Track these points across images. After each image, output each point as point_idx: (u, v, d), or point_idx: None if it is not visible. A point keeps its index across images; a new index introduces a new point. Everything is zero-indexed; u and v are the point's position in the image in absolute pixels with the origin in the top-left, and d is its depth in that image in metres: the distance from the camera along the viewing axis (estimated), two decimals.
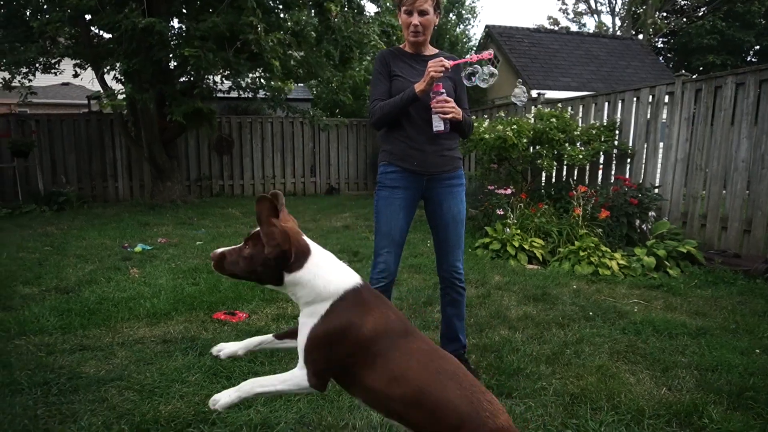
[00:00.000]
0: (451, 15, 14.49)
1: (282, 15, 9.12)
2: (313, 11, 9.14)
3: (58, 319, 3.28)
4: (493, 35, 14.18)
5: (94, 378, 2.47)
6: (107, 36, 8.78)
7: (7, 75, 8.68)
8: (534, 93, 8.72)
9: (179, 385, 2.41)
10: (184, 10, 8.70)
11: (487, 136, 6.10)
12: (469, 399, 1.37)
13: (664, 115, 5.77)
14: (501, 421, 1.36)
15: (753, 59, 19.39)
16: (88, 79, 10.10)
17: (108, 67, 8.58)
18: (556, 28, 24.55)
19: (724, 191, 5.19)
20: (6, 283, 4.09)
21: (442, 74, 2.26)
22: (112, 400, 2.27)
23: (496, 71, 2.38)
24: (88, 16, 8.14)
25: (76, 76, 10.03)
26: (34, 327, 3.11)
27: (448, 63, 2.27)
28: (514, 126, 6.00)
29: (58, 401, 2.26)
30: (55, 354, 2.75)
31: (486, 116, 7.97)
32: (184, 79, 8.96)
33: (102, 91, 8.43)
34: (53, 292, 3.92)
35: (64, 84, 15.70)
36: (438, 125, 2.33)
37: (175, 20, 8.95)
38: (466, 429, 1.33)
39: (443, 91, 2.31)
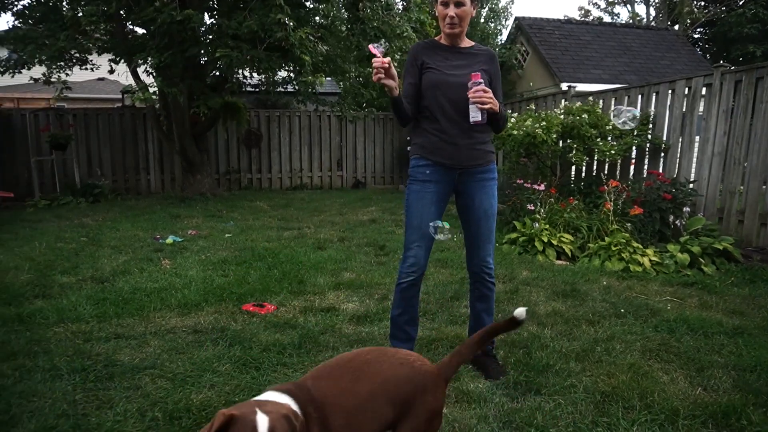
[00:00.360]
0: (484, 9, 14.32)
1: (311, 6, 9.14)
2: (342, 4, 9.13)
3: (94, 307, 3.38)
4: (522, 27, 13.96)
5: (128, 366, 2.54)
6: (141, 31, 8.96)
7: (45, 70, 8.93)
8: (564, 86, 8.56)
9: (210, 375, 2.46)
10: (216, 5, 8.81)
11: (515, 132, 6.02)
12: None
13: (701, 108, 5.59)
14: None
15: None
16: (122, 74, 10.33)
17: (141, 61, 8.76)
18: (588, 19, 24.02)
19: (764, 186, 5.01)
20: (45, 272, 4.23)
21: (378, 81, 2.18)
22: (146, 388, 2.33)
23: (637, 113, 2.31)
24: (121, 11, 8.32)
25: (111, 72, 10.27)
26: (71, 315, 3.21)
27: (386, 60, 2.15)
28: (543, 122, 5.90)
29: (95, 387, 2.33)
30: (92, 341, 2.84)
31: (510, 110, 7.87)
32: (213, 74, 9.08)
33: (134, 85, 8.62)
34: (89, 281, 4.04)
35: (99, 79, 16.09)
36: (475, 115, 2.29)
37: (206, 16, 9.08)
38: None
39: (481, 81, 2.26)
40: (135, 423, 2.06)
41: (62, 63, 9.03)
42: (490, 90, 2.29)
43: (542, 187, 5.80)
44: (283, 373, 2.49)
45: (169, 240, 5.62)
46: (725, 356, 2.75)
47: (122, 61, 9.50)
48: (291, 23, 7.22)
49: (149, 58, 8.01)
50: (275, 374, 2.48)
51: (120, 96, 13.13)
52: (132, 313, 3.31)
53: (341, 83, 10.53)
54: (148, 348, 2.80)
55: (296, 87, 9.45)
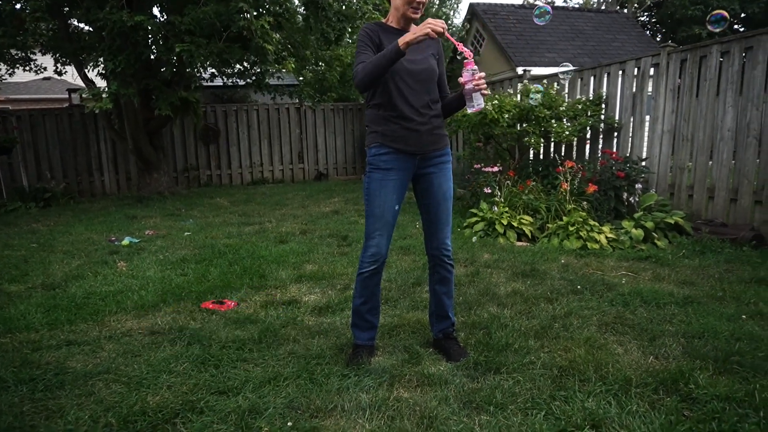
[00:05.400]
0: None
1: None
2: None
3: (44, 315, 3.25)
4: (477, 13, 14.03)
5: (81, 372, 2.45)
6: (87, 29, 8.60)
7: None
8: (520, 70, 8.67)
9: (167, 376, 2.39)
10: (165, 4, 8.53)
11: (469, 112, 6.07)
12: None
13: (650, 88, 5.75)
14: None
15: (741, 28, 19.33)
16: (69, 73, 9.93)
17: (91, 64, 8.43)
18: (541, 3, 24.31)
19: (710, 161, 5.19)
20: None
21: (431, 36, 2.11)
22: (100, 394, 2.26)
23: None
24: (63, 8, 7.97)
25: (58, 73, 9.85)
26: (20, 324, 3.08)
27: (444, 29, 2.13)
28: (495, 101, 5.97)
29: (44, 397, 2.24)
30: (41, 350, 2.73)
31: None
32: (164, 69, 8.81)
33: (86, 89, 8.29)
34: (39, 288, 3.89)
35: (45, 79, 15.45)
36: (480, 102, 2.27)
37: (156, 9, 8.79)
38: None
39: (476, 67, 2.24)
40: (87, 430, 1.99)
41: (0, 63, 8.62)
42: (483, 73, 2.28)
43: (497, 170, 5.86)
44: (243, 369, 2.45)
45: (126, 241, 5.46)
46: (676, 325, 2.85)
47: (70, 62, 9.14)
48: (252, 11, 7.07)
49: (100, 60, 7.72)
50: (235, 370, 2.43)
51: (68, 95, 12.61)
52: (85, 319, 3.20)
53: (302, 72, 10.40)
54: (102, 353, 2.71)
55: (253, 78, 9.28)
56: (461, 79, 2.25)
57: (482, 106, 2.29)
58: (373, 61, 2.23)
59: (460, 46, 2.26)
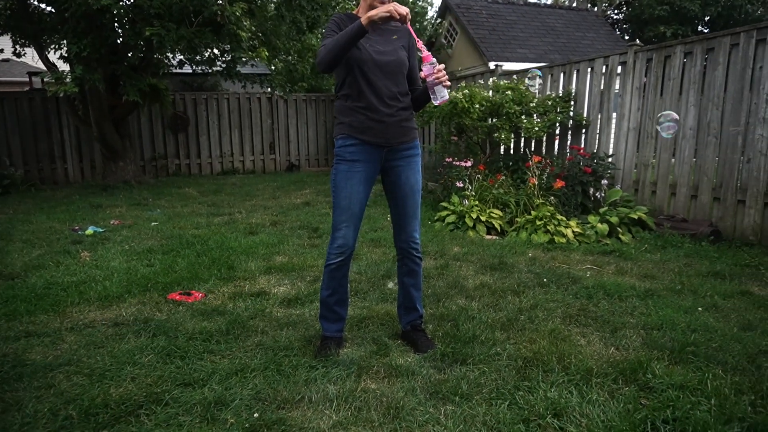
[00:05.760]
0: None
1: None
2: None
3: (1, 306, 3.15)
4: (450, 6, 14.06)
5: (40, 364, 2.39)
6: (48, 9, 8.27)
7: None
8: (492, 65, 8.74)
9: (131, 367, 2.35)
10: None
11: (435, 104, 6.10)
12: None
13: (617, 86, 5.88)
14: None
15: (705, 29, 19.87)
16: (29, 55, 9.54)
17: (54, 47, 8.11)
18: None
19: (673, 159, 5.35)
20: None
21: (393, 15, 2.13)
22: (60, 386, 2.20)
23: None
24: None
25: (17, 55, 9.45)
26: None
27: (408, 15, 2.16)
28: (466, 91, 6.01)
29: (0, 390, 2.17)
30: None
31: None
32: (132, 54, 8.57)
33: (47, 72, 7.99)
34: None
35: (4, 60, 14.84)
36: (443, 95, 2.29)
37: None
38: None
39: (434, 60, 2.26)
40: (46, 423, 1.94)
41: None
42: (443, 65, 2.30)
43: (468, 164, 5.92)
44: (210, 360, 2.43)
45: (89, 231, 5.31)
46: (636, 317, 2.94)
47: (30, 44, 8.78)
48: None
49: (63, 43, 7.43)
50: (201, 362, 2.41)
51: (28, 79, 12.14)
52: (46, 310, 3.11)
53: (273, 61, 10.25)
54: (63, 344, 2.64)
55: (224, 66, 9.10)
56: (422, 74, 2.28)
57: (446, 98, 2.32)
58: (336, 38, 2.23)
59: (420, 43, 2.35)
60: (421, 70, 2.30)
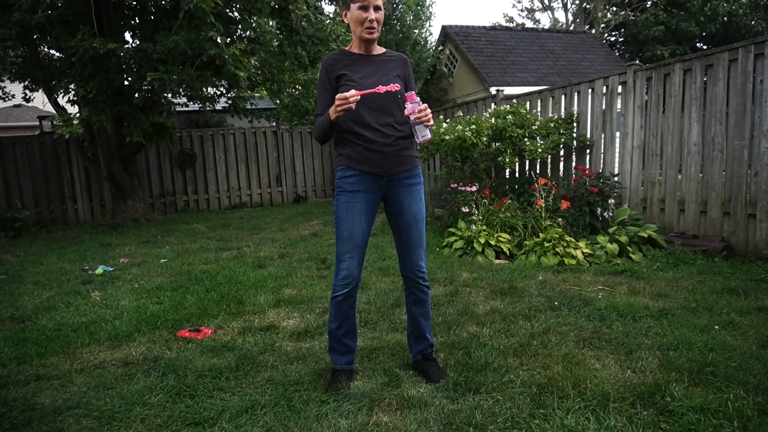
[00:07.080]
0: (408, 17, 14.51)
1: (240, 25, 9.02)
2: (272, 20, 9.07)
3: (12, 349, 3.15)
4: (450, 35, 14.32)
5: (49, 408, 2.37)
6: (57, 55, 8.52)
7: None
8: (493, 90, 8.83)
9: (140, 408, 2.33)
10: (137, 28, 8.51)
11: (447, 137, 6.14)
12: None
13: (619, 105, 5.90)
14: None
15: (703, 47, 20.03)
16: (39, 100, 9.80)
17: (62, 91, 8.32)
18: (512, 25, 24.96)
19: (680, 175, 5.33)
20: None
21: (343, 112, 2.23)
22: (69, 430, 2.18)
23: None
24: (34, 35, 7.89)
25: (27, 100, 9.71)
26: None
27: (356, 97, 2.22)
28: (473, 125, 6.06)
29: None
30: (9, 386, 2.63)
31: (441, 117, 8.08)
32: (137, 96, 8.76)
33: (56, 114, 8.18)
34: (8, 321, 3.77)
35: (15, 106, 15.23)
36: (425, 134, 2.31)
37: (128, 35, 8.76)
38: None
39: (418, 99, 2.29)
40: None
41: None
42: (426, 105, 2.32)
43: (474, 189, 5.93)
44: (219, 398, 2.40)
45: (99, 270, 5.34)
46: (651, 338, 2.89)
47: (40, 89, 9.01)
48: (223, 40, 7.09)
49: (71, 87, 7.63)
50: (211, 400, 2.38)
51: (38, 123, 12.41)
52: (56, 351, 3.11)
53: (278, 96, 10.43)
54: (73, 387, 2.62)
55: (228, 102, 9.28)
56: (406, 112, 2.31)
57: (429, 137, 2.33)
58: (318, 125, 2.40)
59: (393, 87, 2.38)
60: (404, 108, 2.32)
